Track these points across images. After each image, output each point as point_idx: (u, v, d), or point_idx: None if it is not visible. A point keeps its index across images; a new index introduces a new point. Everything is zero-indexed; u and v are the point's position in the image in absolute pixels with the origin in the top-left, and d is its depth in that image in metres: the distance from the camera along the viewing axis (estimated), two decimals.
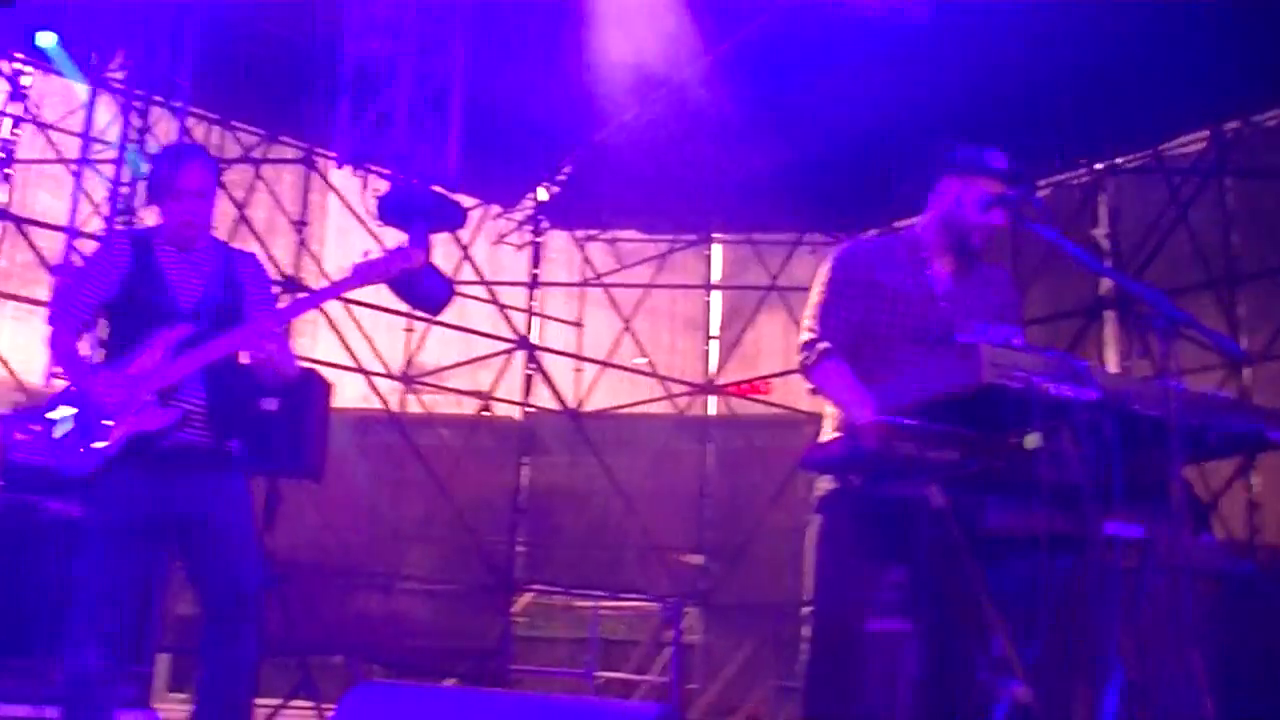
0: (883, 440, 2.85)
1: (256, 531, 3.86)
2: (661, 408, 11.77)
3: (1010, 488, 2.84)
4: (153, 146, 8.86)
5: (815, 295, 3.57)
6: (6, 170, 9.03)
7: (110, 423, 3.57)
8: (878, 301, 3.49)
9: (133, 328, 3.66)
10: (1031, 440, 2.74)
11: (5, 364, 8.95)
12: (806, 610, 3.39)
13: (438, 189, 7.98)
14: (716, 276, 12.36)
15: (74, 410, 3.63)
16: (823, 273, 3.60)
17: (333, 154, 8.89)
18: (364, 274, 3.80)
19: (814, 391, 3.54)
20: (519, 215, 11.55)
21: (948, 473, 2.88)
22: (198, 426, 3.66)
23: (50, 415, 3.65)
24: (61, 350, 3.74)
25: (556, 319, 11.83)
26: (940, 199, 3.57)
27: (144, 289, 3.69)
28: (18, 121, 9.03)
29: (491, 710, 3.89)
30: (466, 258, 11.08)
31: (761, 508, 10.53)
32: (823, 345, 3.45)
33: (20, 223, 9.08)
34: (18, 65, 8.89)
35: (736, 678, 10.06)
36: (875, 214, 10.29)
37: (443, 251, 10.32)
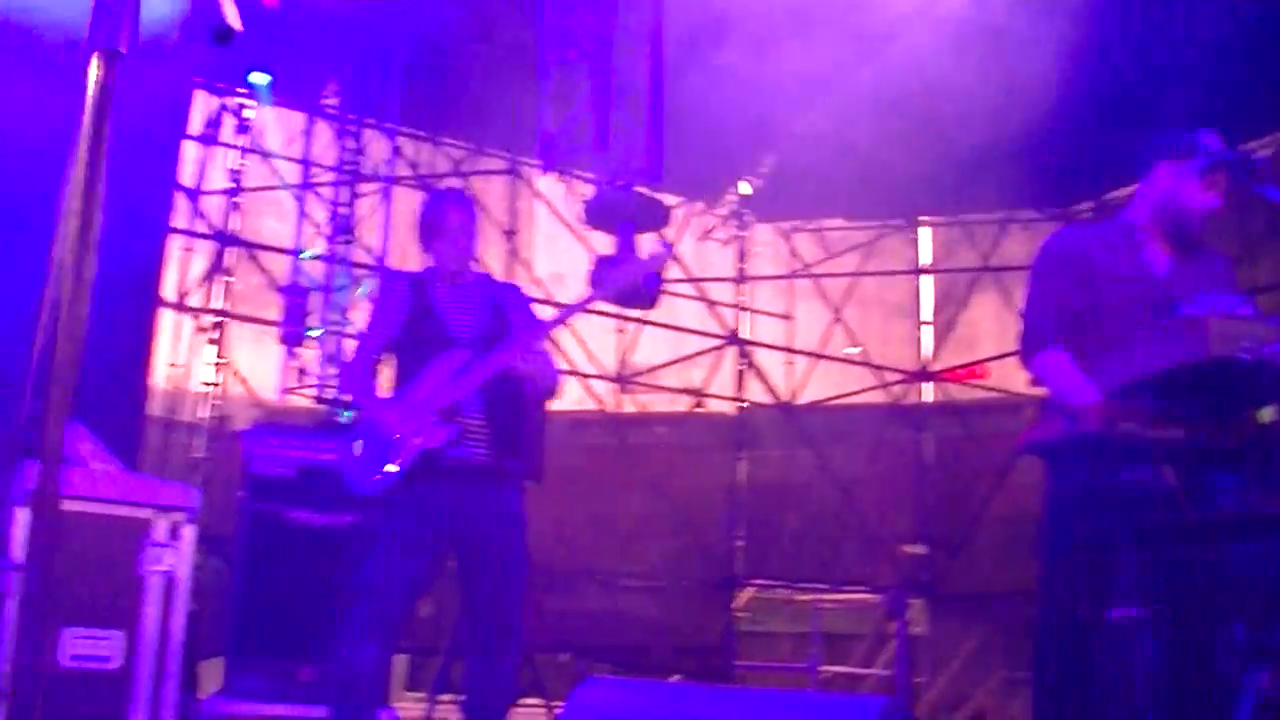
0: (1106, 421, 2.77)
1: (527, 553, 4.04)
2: (875, 397, 11.57)
3: (1246, 465, 2.72)
4: (367, 167, 9.26)
5: (1031, 285, 3.52)
6: (236, 200, 9.51)
7: (399, 446, 3.86)
8: (1095, 288, 3.39)
9: (415, 359, 4.02)
10: (1267, 414, 2.62)
11: (244, 381, 9.43)
12: (1038, 599, 3.31)
13: (641, 190, 8.06)
14: (926, 260, 12.11)
15: (367, 436, 3.97)
16: (1038, 261, 3.53)
17: (537, 162, 9.08)
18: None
19: (1034, 382, 3.48)
20: (723, 210, 11.56)
21: (1178, 452, 2.77)
22: (478, 444, 3.93)
23: (349, 441, 4.03)
24: (356, 385, 4.20)
25: (766, 312, 11.77)
26: (1154, 185, 3.45)
27: (423, 324, 4.06)
28: (245, 152, 9.51)
29: (717, 705, 3.91)
30: (673, 256, 11.14)
31: (983, 495, 10.28)
32: (1041, 335, 3.39)
33: (251, 248, 9.58)
34: (240, 100, 9.35)
35: (964, 670, 9.85)
36: (1087, 188, 9.93)
37: (649, 250, 10.41)
